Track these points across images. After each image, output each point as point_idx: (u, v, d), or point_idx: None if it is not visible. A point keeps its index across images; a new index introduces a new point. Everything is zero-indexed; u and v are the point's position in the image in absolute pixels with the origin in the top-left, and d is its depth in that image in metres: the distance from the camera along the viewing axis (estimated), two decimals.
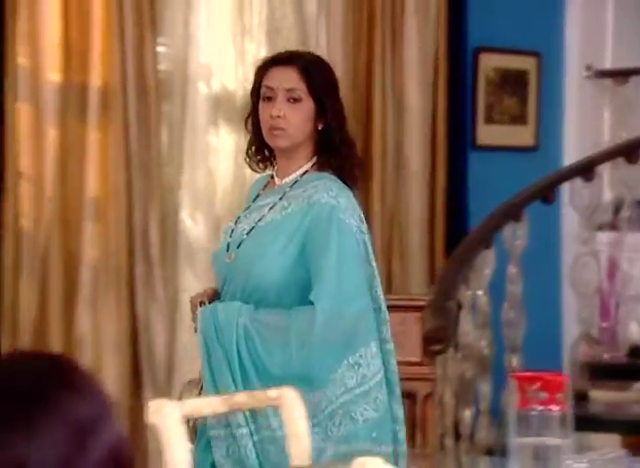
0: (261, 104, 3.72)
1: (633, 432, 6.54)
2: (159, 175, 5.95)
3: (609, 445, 6.13)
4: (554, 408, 3.55)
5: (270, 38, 6.65)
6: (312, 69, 3.75)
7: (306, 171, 3.78)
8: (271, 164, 3.89)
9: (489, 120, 7.75)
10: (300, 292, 3.70)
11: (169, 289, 6.04)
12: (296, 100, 3.68)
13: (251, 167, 3.97)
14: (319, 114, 3.74)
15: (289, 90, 3.67)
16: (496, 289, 6.36)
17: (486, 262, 6.17)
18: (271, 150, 3.84)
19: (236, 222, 3.86)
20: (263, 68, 3.79)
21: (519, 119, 8.04)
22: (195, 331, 3.83)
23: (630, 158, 7.06)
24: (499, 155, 7.88)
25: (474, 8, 7.38)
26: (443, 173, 7.16)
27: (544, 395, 3.54)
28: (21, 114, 5.66)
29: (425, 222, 7.13)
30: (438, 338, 5.24)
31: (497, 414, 5.95)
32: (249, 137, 3.91)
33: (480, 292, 6.15)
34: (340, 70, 6.60)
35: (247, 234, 3.74)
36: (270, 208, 3.74)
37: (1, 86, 5.58)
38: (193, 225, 6.38)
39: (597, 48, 8.35)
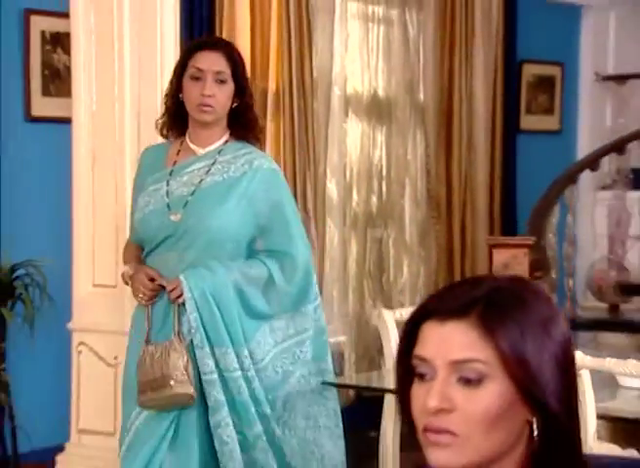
0: (190, 83, 3.35)
1: None
2: (314, 153, 5.95)
3: None
4: None
5: (385, 55, 6.62)
6: (235, 55, 3.44)
7: (226, 140, 3.45)
8: (182, 133, 3.48)
9: (528, 111, 7.77)
10: (247, 246, 3.41)
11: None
12: (222, 82, 3.35)
13: (162, 133, 3.53)
14: (236, 94, 3.41)
15: (217, 72, 3.33)
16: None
17: (554, 213, 6.23)
18: (186, 121, 3.45)
19: (166, 185, 3.40)
20: (192, 51, 3.42)
21: (549, 111, 8.04)
22: (144, 304, 3.37)
23: None
24: (535, 136, 7.81)
25: (520, 32, 7.33)
26: (500, 149, 7.15)
27: None
28: None
29: (487, 185, 7.08)
30: (539, 267, 5.13)
31: None
32: (166, 108, 3.50)
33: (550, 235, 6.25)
34: (430, 79, 6.88)
35: (191, 195, 3.35)
36: (207, 171, 3.38)
37: None
38: (332, 187, 6.37)
39: (602, 59, 8.28)
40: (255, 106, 3.62)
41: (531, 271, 4.87)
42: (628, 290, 6.81)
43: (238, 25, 5.69)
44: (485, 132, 7.07)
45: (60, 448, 4.52)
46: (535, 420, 1.57)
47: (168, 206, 3.34)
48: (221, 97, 3.34)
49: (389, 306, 6.54)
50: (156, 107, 4.22)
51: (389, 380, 3.94)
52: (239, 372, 3.28)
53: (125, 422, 3.47)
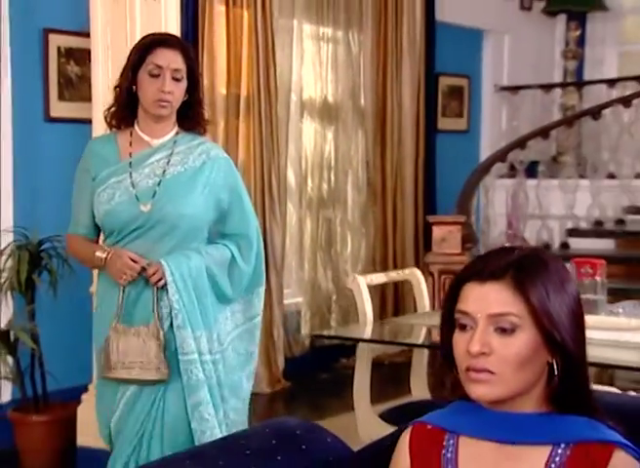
0: (148, 79, 2.91)
1: None
2: (277, 148, 6.02)
3: None
4: (597, 278, 3.48)
5: (333, 68, 6.72)
6: (190, 54, 3.04)
7: (177, 132, 3.03)
8: (129, 124, 3.02)
9: (443, 115, 7.82)
10: (209, 230, 3.04)
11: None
12: (178, 80, 2.93)
13: (110, 123, 3.04)
14: (188, 89, 2.99)
15: (175, 70, 2.92)
16: None
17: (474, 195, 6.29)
18: (134, 113, 3.00)
19: (129, 177, 2.95)
20: (150, 47, 2.94)
21: (459, 115, 8.08)
22: (123, 284, 2.87)
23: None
24: (449, 135, 7.85)
25: (437, 51, 7.36)
26: (422, 145, 7.20)
27: (590, 271, 3.48)
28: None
29: (413, 174, 7.14)
30: (469, 240, 5.13)
31: None
32: (117, 99, 3.01)
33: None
34: (368, 87, 6.94)
35: (158, 185, 2.92)
36: (167, 162, 2.96)
37: None
38: (291, 176, 6.46)
39: (499, 73, 8.39)
40: (203, 101, 3.18)
41: (462, 243, 4.92)
42: None
43: (216, 43, 5.78)
44: (411, 131, 7.13)
45: (84, 389, 4.53)
46: (555, 361, 1.60)
47: (136, 197, 2.91)
48: (178, 93, 2.95)
49: (337, 273, 6.80)
50: None
51: (366, 331, 3.92)
52: (208, 356, 2.94)
53: (108, 399, 3.03)
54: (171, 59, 2.92)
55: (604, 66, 8.84)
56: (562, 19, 8.94)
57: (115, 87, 3.04)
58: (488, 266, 1.61)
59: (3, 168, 4.98)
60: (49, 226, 4.84)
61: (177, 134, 3.02)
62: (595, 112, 7.02)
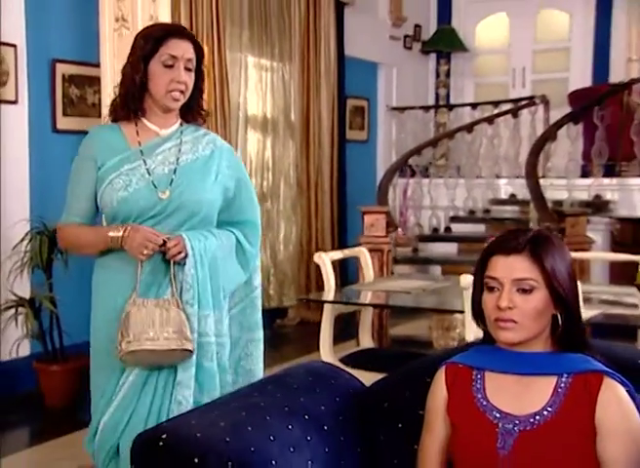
0: (162, 69, 2.26)
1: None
2: None
3: None
4: None
5: (270, 91, 6.66)
6: (199, 44, 2.38)
7: (181, 123, 2.38)
8: (135, 115, 2.33)
9: (350, 128, 7.71)
10: (217, 215, 2.40)
11: None
12: (190, 70, 2.29)
13: (116, 114, 2.35)
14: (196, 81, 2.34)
15: (188, 60, 2.28)
16: None
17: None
18: (142, 105, 2.32)
19: (144, 164, 2.29)
20: (164, 38, 2.27)
21: (362, 128, 7.98)
22: (144, 258, 2.20)
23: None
24: (355, 144, 7.74)
25: (346, 79, 7.36)
26: (336, 152, 7.19)
27: None
28: None
29: (329, 175, 7.12)
30: (391, 225, 5.02)
31: None
32: (125, 90, 2.31)
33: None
34: (297, 106, 6.88)
35: (174, 173, 2.29)
36: (179, 150, 2.33)
37: None
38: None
39: (390, 96, 8.33)
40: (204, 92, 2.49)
41: (387, 228, 4.90)
42: (421, 238, 6.98)
43: None
44: (328, 140, 7.12)
45: None
46: (558, 313, 1.66)
47: (153, 184, 2.28)
48: (190, 83, 2.32)
49: (274, 252, 6.80)
50: None
51: (330, 295, 3.76)
52: (213, 338, 2.30)
53: (104, 382, 2.30)
54: (185, 49, 2.30)
55: (465, 93, 9.06)
56: (434, 56, 9.12)
57: (123, 78, 2.35)
58: (510, 243, 1.65)
59: (20, 170, 4.86)
60: (58, 216, 4.77)
61: (181, 124, 2.40)
62: (469, 128, 7.14)
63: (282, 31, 6.77)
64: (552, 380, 1.64)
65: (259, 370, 2.56)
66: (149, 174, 2.29)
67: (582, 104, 6.64)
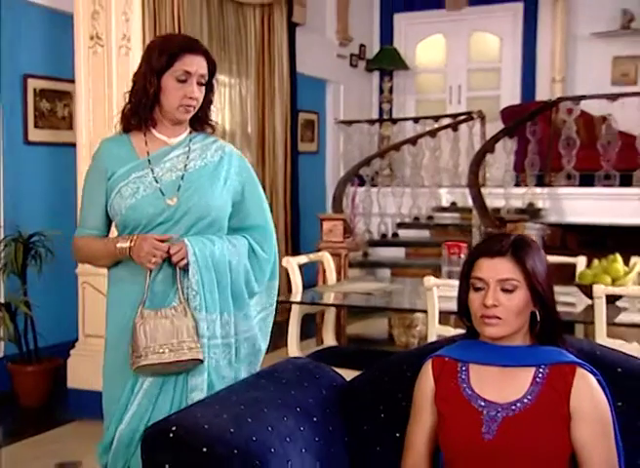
0: (175, 84, 2.14)
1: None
2: None
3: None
4: (461, 255, 3.51)
5: (229, 105, 6.64)
6: (212, 58, 2.25)
7: (190, 131, 2.24)
8: (145, 125, 2.20)
9: (302, 140, 7.66)
10: (227, 221, 2.27)
11: None
12: (202, 84, 2.17)
13: (125, 126, 2.23)
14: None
15: (201, 75, 2.17)
16: None
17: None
18: (151, 115, 2.19)
19: (151, 172, 2.18)
20: (179, 53, 2.15)
21: (312, 140, 8.05)
22: (151, 267, 2.10)
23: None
24: (306, 155, 7.74)
25: (298, 94, 7.26)
26: (289, 162, 7.17)
27: (457, 251, 3.51)
28: None
29: (284, 183, 7.12)
30: (347, 231, 5.01)
31: None
32: (137, 100, 2.18)
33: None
34: (253, 119, 6.86)
35: (182, 179, 2.18)
36: (187, 157, 2.21)
37: None
38: None
39: (337, 110, 8.31)
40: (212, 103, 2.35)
41: (344, 234, 4.90)
42: (371, 243, 7.06)
43: None
44: (282, 152, 7.10)
45: (69, 345, 4.45)
46: (537, 310, 1.72)
47: (161, 191, 2.17)
48: (201, 98, 2.21)
49: None
50: None
51: (298, 297, 3.77)
52: (220, 340, 2.19)
53: (118, 392, 2.18)
54: (199, 65, 2.19)
55: (406, 108, 9.20)
56: (377, 74, 9.24)
57: (135, 88, 2.22)
58: (494, 246, 1.71)
59: None
60: (30, 223, 4.78)
61: (190, 133, 2.28)
62: (414, 140, 7.25)
63: (239, 49, 6.76)
64: (531, 371, 1.70)
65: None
66: (157, 181, 2.19)
67: (514, 120, 6.84)
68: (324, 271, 4.00)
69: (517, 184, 6.74)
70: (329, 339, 4.01)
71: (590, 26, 8.40)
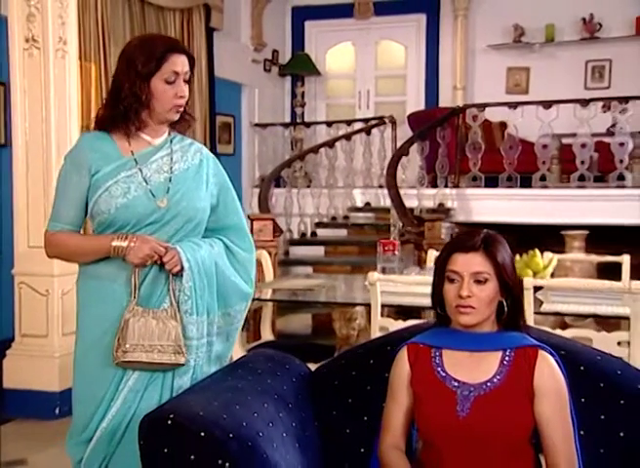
0: (164, 86, 2.08)
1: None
2: None
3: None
4: (395, 253, 3.59)
5: None
6: (192, 54, 2.17)
7: (169, 132, 2.19)
8: (135, 128, 2.14)
9: (220, 142, 7.75)
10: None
11: None
12: (187, 82, 2.13)
13: (103, 126, 2.14)
14: None
15: (186, 73, 2.12)
16: None
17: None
18: (137, 116, 2.12)
19: (140, 173, 2.13)
20: (165, 55, 2.09)
21: (229, 143, 8.00)
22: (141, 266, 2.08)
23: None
24: (224, 157, 7.39)
25: (216, 97, 7.42)
26: None
27: (391, 248, 3.55)
28: None
29: None
30: (277, 230, 5.14)
31: None
32: (126, 107, 2.09)
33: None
34: None
35: (169, 182, 2.14)
36: (171, 159, 2.17)
37: None
38: None
39: (252, 114, 8.44)
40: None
41: (274, 233, 4.99)
42: (292, 242, 7.09)
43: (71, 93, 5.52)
44: None
45: (7, 346, 4.41)
46: (504, 300, 1.84)
47: (151, 192, 2.13)
48: (187, 95, 2.16)
49: None
50: (67, 134, 4.29)
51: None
52: (205, 339, 2.19)
53: (99, 389, 2.13)
54: (183, 64, 2.14)
55: (317, 112, 9.37)
56: (289, 79, 9.36)
57: (121, 94, 2.11)
58: (467, 242, 1.83)
59: None
60: None
61: (169, 134, 2.23)
62: (331, 143, 7.39)
63: None
64: (498, 354, 1.84)
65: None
66: (146, 182, 2.14)
67: (420, 124, 7.12)
68: (262, 269, 4.07)
69: (430, 185, 6.99)
70: (266, 334, 4.08)
71: (487, 39, 8.85)
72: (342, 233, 7.27)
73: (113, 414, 2.12)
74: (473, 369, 1.84)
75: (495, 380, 1.82)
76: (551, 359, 1.84)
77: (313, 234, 7.31)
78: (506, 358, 1.84)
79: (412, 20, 9.15)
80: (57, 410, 4.22)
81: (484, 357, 1.85)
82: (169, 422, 1.85)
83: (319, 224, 7.31)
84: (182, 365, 2.13)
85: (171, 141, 2.22)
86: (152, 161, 2.18)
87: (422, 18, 9.12)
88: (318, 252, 7.06)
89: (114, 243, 2.10)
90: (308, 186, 7.54)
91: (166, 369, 2.14)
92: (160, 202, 2.14)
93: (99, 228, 2.17)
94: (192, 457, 1.81)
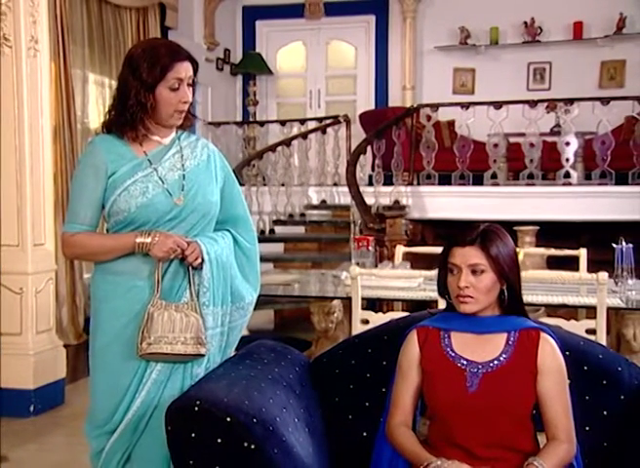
0: (168, 93, 2.14)
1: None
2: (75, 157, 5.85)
3: None
4: (369, 248, 3.68)
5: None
6: (194, 57, 2.23)
7: (176, 130, 2.26)
8: (140, 130, 2.18)
9: None
10: None
11: None
12: (190, 85, 2.19)
13: (109, 129, 2.22)
14: None
15: (190, 77, 2.18)
16: None
17: None
18: (142, 120, 2.18)
19: (155, 172, 2.19)
20: (170, 64, 2.13)
21: None
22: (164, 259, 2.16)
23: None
24: None
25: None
26: None
27: (365, 244, 3.66)
28: None
29: None
30: None
31: None
32: (132, 114, 2.15)
33: None
34: None
35: (183, 179, 2.21)
36: (181, 157, 2.24)
37: None
38: None
39: (206, 112, 8.44)
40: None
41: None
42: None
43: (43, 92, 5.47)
44: None
45: None
46: (504, 288, 1.95)
47: (168, 191, 2.20)
48: (190, 99, 2.23)
49: None
50: (39, 133, 4.29)
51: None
52: (219, 329, 2.29)
53: (124, 382, 2.20)
54: (187, 70, 2.19)
55: (269, 111, 9.48)
56: (240, 78, 9.44)
57: (127, 101, 2.17)
58: (465, 237, 1.94)
59: None
60: None
61: (176, 132, 2.30)
62: (287, 143, 7.48)
63: (118, 51, 6.75)
64: (504, 335, 1.97)
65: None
66: (162, 181, 2.20)
67: (372, 123, 7.26)
68: None
69: (385, 183, 7.13)
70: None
71: (434, 40, 9.11)
72: (300, 230, 7.36)
73: (138, 406, 2.19)
74: (480, 349, 1.97)
75: (501, 359, 1.95)
76: (552, 340, 1.98)
77: (272, 231, 7.38)
78: (511, 338, 1.96)
79: (361, 21, 9.33)
80: (31, 408, 4.23)
81: (490, 338, 1.97)
82: (196, 409, 1.93)
83: (277, 222, 7.39)
84: (203, 355, 2.22)
85: (179, 139, 2.30)
86: (165, 159, 2.24)
87: (372, 19, 9.32)
88: (278, 248, 7.11)
89: (138, 239, 2.16)
90: (265, 185, 7.59)
91: (187, 359, 2.21)
92: (177, 199, 2.21)
93: (116, 226, 2.23)
94: (219, 440, 1.90)
